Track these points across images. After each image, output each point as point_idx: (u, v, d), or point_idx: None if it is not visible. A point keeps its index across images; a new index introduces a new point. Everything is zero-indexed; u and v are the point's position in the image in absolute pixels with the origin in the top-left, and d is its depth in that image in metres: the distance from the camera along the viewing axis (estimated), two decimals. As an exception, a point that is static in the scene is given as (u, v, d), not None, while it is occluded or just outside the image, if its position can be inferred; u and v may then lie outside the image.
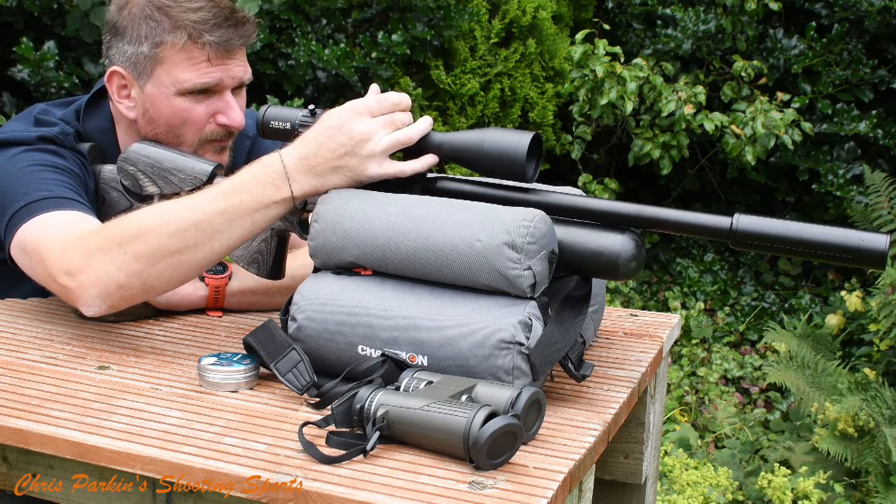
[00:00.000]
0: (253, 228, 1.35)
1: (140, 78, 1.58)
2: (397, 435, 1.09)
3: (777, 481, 3.03)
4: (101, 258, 1.33)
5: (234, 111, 1.61)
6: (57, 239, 1.39)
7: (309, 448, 1.07)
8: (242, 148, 1.75)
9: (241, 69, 1.61)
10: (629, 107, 4.28)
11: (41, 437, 1.13)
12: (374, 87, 1.42)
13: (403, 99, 1.38)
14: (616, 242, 1.24)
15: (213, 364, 1.27)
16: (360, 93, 3.90)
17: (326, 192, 1.34)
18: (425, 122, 1.37)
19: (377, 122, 1.35)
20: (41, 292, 1.58)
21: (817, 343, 3.93)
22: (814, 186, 4.68)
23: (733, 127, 4.29)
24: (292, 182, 1.34)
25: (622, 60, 4.40)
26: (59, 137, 1.56)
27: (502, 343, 1.18)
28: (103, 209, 1.60)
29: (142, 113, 1.61)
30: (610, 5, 5.07)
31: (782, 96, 4.44)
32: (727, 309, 4.70)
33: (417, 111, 4.02)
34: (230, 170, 1.65)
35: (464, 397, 1.11)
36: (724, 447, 3.73)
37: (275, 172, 1.34)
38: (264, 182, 1.34)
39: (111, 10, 1.60)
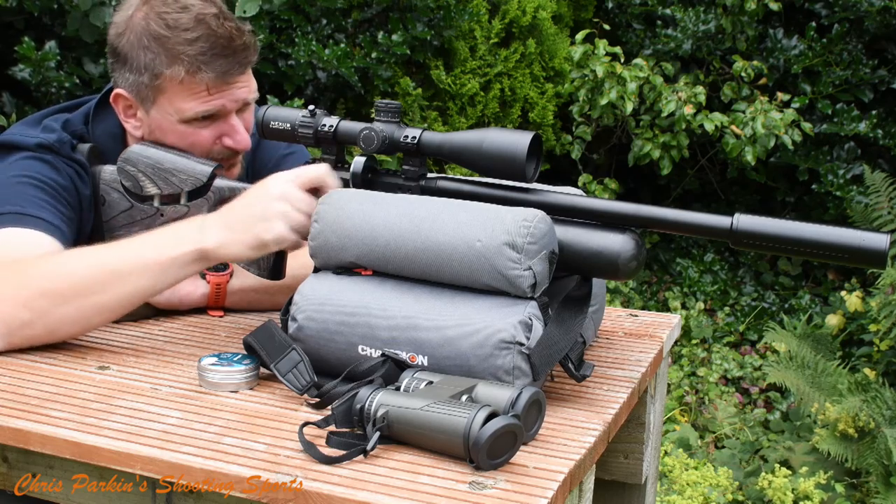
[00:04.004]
0: (165, 277, 1.37)
1: (144, 103, 1.58)
2: (397, 435, 1.09)
3: (778, 482, 3.03)
4: (10, 293, 1.34)
5: (239, 134, 1.61)
6: None
7: (309, 448, 1.07)
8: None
9: (244, 91, 1.59)
10: (629, 107, 4.28)
11: (41, 437, 1.13)
12: (314, 169, 1.42)
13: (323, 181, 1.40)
14: (616, 242, 1.24)
15: (213, 364, 1.27)
16: (360, 93, 3.91)
17: (233, 249, 1.36)
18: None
19: (295, 194, 1.37)
20: None
21: (817, 343, 3.93)
22: (814, 186, 4.68)
23: (733, 127, 4.29)
24: (205, 234, 1.36)
25: (622, 60, 4.41)
26: (56, 146, 1.56)
27: (502, 343, 1.18)
28: (104, 210, 1.61)
29: (148, 133, 1.61)
30: (610, 5, 5.07)
31: (782, 96, 4.44)
32: (727, 309, 4.70)
33: (417, 111, 4.02)
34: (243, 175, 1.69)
35: (464, 397, 1.11)
36: (724, 447, 3.73)
37: (194, 224, 1.38)
38: (181, 233, 1.37)
39: (111, 34, 1.59)
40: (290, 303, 1.32)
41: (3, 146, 1.57)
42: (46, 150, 1.55)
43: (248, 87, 1.60)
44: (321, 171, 1.39)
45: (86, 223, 1.58)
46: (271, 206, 1.36)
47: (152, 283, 1.37)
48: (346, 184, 1.43)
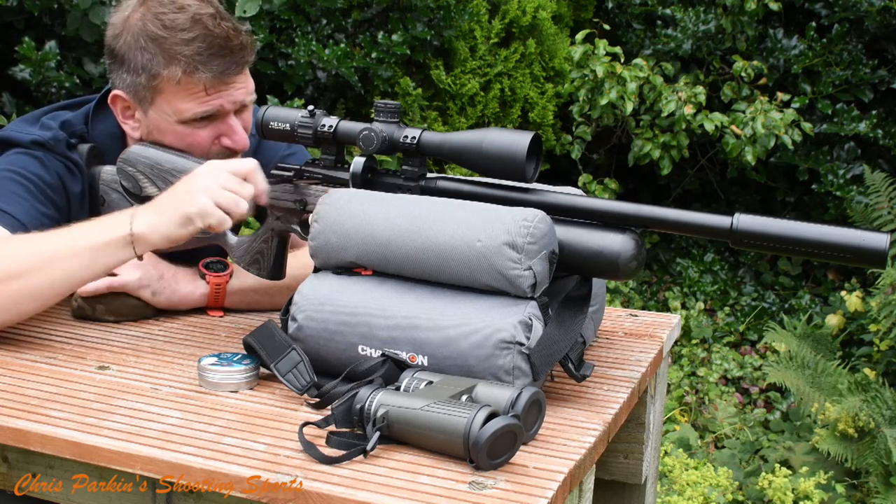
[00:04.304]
0: (95, 262, 1.39)
1: (142, 104, 1.58)
2: (397, 435, 1.09)
3: (778, 482, 3.03)
4: None
5: (237, 134, 1.61)
6: None
7: (309, 448, 1.07)
8: (249, 146, 1.75)
9: (241, 92, 1.59)
10: (629, 107, 4.28)
11: (41, 437, 1.13)
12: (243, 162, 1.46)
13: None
14: (616, 242, 1.24)
15: (213, 364, 1.27)
16: (360, 93, 3.91)
17: (161, 229, 1.39)
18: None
19: (220, 175, 1.41)
20: None
21: (817, 343, 3.93)
22: (814, 186, 4.68)
23: (733, 127, 4.28)
24: (135, 220, 1.39)
25: (622, 60, 4.40)
26: (50, 143, 1.57)
27: (503, 343, 1.18)
28: (103, 210, 1.61)
29: (147, 133, 1.61)
30: (610, 5, 5.07)
31: (782, 96, 4.44)
32: (727, 309, 4.70)
33: (417, 111, 4.02)
34: None
35: (464, 397, 1.11)
36: (724, 447, 3.73)
37: (126, 213, 1.41)
38: (111, 220, 1.41)
39: (108, 35, 1.59)
40: (290, 303, 1.32)
41: (1, 141, 1.58)
42: (40, 146, 1.56)
43: (245, 87, 1.60)
44: (251, 166, 1.44)
45: (76, 220, 1.58)
46: (195, 183, 1.40)
47: (82, 267, 1.39)
48: (346, 184, 1.43)
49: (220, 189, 1.39)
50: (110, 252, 1.39)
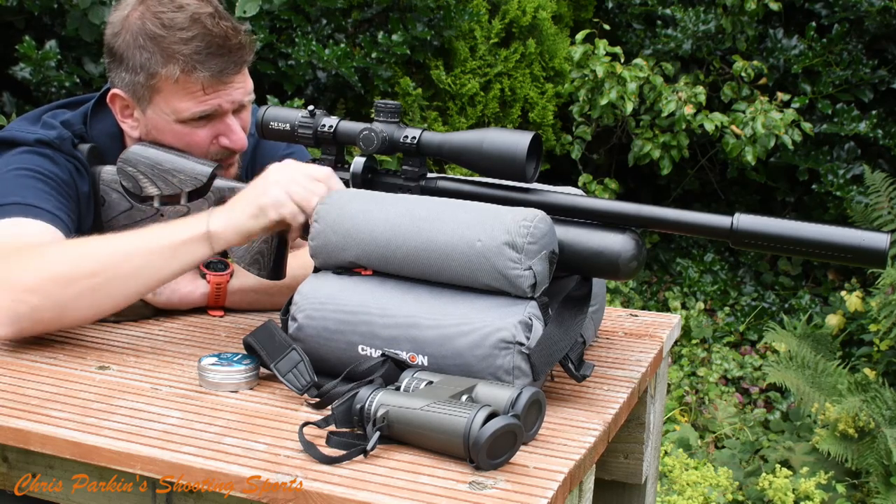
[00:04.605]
0: (173, 260, 1.39)
1: (140, 103, 1.58)
2: (397, 435, 1.09)
3: (779, 482, 3.03)
4: (17, 279, 1.34)
5: (236, 134, 1.61)
6: None
7: (309, 448, 1.07)
8: (248, 146, 1.75)
9: (240, 91, 1.59)
10: (629, 107, 4.28)
11: (41, 437, 1.13)
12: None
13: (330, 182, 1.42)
14: (616, 242, 1.24)
15: (213, 364, 1.27)
16: (360, 93, 3.91)
17: (235, 222, 1.39)
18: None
19: (295, 175, 1.41)
20: None
21: (817, 343, 3.93)
22: (814, 186, 4.68)
23: (733, 127, 4.28)
24: (212, 216, 1.39)
25: (622, 60, 4.40)
26: (56, 142, 1.57)
27: (502, 343, 1.18)
28: (104, 210, 1.61)
29: (145, 133, 1.61)
30: (610, 5, 5.07)
31: (782, 96, 4.44)
32: (727, 309, 4.70)
33: (417, 111, 4.02)
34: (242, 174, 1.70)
35: (464, 397, 1.11)
36: (724, 447, 3.73)
37: (202, 213, 1.41)
38: (189, 220, 1.41)
39: (107, 33, 1.59)
40: (290, 303, 1.32)
41: (2, 142, 1.57)
42: (45, 145, 1.56)
43: (244, 87, 1.60)
44: (327, 172, 1.42)
45: (84, 220, 1.59)
46: (268, 177, 1.40)
47: (160, 265, 1.38)
48: (346, 184, 1.43)
49: (292, 182, 1.39)
50: (188, 250, 1.39)
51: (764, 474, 3.11)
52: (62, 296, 1.34)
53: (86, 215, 1.59)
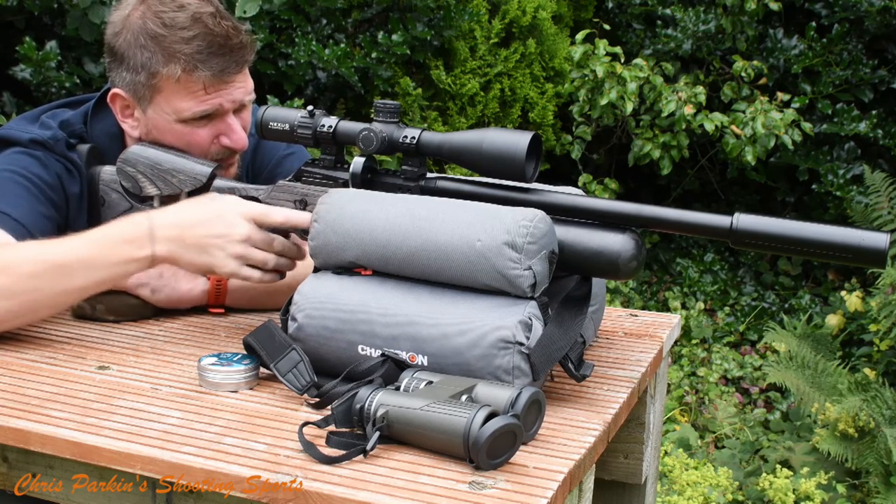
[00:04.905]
0: (110, 279, 1.40)
1: (141, 103, 1.58)
2: (397, 435, 1.09)
3: (779, 482, 3.03)
4: None
5: (237, 133, 1.61)
6: None
7: (309, 448, 1.07)
8: (248, 146, 1.75)
9: (241, 91, 1.59)
10: (629, 107, 4.28)
11: (41, 437, 1.13)
12: (280, 211, 1.45)
13: (296, 222, 1.43)
14: (616, 242, 1.24)
15: (213, 364, 1.27)
16: (360, 93, 3.91)
17: (182, 264, 1.41)
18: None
19: (257, 236, 1.41)
20: None
21: (817, 343, 3.93)
22: (814, 186, 4.68)
23: (733, 127, 4.28)
24: (156, 243, 1.39)
25: (622, 60, 4.40)
26: (49, 142, 1.57)
27: (502, 343, 1.18)
28: (104, 210, 1.61)
29: (146, 133, 1.61)
30: (610, 5, 5.07)
31: (782, 96, 4.44)
32: (727, 309, 4.70)
33: (417, 111, 4.02)
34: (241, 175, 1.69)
35: (464, 397, 1.11)
36: (724, 447, 3.73)
37: (142, 233, 1.39)
38: (129, 239, 1.39)
39: (108, 33, 1.59)
40: (290, 302, 1.32)
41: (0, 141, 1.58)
42: (39, 145, 1.56)
43: (244, 87, 1.60)
44: (290, 217, 1.43)
45: (74, 221, 1.59)
46: (231, 247, 1.40)
47: (99, 279, 1.40)
48: (345, 184, 1.43)
49: (256, 253, 1.42)
50: (126, 268, 1.40)
51: (764, 474, 3.11)
52: (2, 307, 1.36)
53: (76, 216, 1.59)
